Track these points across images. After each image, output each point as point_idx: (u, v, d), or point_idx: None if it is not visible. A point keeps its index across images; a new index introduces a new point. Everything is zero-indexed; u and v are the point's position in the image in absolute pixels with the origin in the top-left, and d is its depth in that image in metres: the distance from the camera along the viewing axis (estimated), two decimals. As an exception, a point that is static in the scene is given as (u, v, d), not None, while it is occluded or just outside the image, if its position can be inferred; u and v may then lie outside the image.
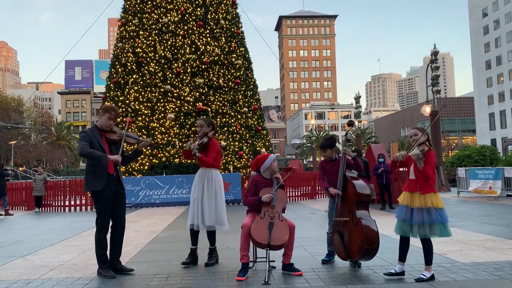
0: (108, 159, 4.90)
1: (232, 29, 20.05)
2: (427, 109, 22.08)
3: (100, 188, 4.92)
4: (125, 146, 5.27)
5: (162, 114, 18.31)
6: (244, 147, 18.44)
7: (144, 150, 5.46)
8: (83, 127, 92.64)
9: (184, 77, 18.84)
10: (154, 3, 19.54)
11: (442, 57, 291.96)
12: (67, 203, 15.53)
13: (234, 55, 19.67)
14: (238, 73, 19.51)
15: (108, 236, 5.08)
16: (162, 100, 18.50)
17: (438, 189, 4.69)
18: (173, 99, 18.53)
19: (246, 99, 19.51)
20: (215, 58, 19.23)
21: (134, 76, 18.74)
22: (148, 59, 18.93)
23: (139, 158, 16.29)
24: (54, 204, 15.71)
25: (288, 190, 16.64)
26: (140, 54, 18.95)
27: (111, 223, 5.10)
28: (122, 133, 5.18)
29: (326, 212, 11.70)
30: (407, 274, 4.64)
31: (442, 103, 76.60)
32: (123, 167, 5.34)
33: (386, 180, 12.26)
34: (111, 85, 18.97)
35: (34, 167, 16.81)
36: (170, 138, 17.91)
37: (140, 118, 18.11)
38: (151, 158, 17.41)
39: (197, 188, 5.40)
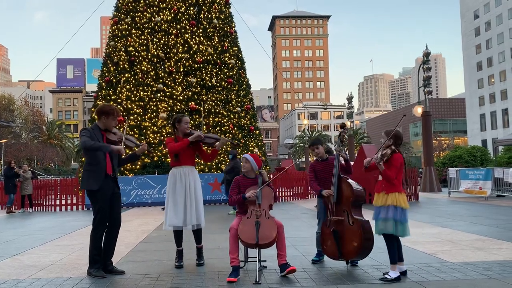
0: (111, 149, 4.90)
1: (225, 29, 20.03)
2: (418, 110, 22.23)
3: (96, 188, 4.91)
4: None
5: (154, 113, 18.24)
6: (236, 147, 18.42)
7: (141, 154, 5.42)
8: (74, 126, 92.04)
9: (177, 76, 18.79)
10: (147, 1, 19.47)
11: (434, 58, 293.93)
12: (57, 202, 15.40)
13: (227, 55, 19.65)
14: (231, 73, 19.49)
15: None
16: (154, 99, 18.44)
17: (405, 190, 4.82)
18: (166, 98, 18.47)
19: (239, 99, 19.50)
20: (208, 58, 19.20)
21: (126, 75, 18.66)
22: (140, 58, 18.85)
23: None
24: (44, 204, 15.57)
25: (280, 190, 16.65)
26: (132, 53, 18.87)
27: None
28: (121, 135, 5.18)
29: (316, 211, 11.76)
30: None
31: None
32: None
33: None
34: (103, 83, 18.87)
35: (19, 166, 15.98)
36: (162, 138, 17.84)
37: (132, 117, 18.03)
38: (143, 157, 17.34)
39: (187, 186, 5.26)
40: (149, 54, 18.88)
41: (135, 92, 18.43)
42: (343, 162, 5.18)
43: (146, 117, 18.19)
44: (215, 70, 19.21)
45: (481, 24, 71.15)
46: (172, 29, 19.31)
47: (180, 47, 19.15)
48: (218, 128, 18.54)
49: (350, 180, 5.04)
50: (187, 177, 5.27)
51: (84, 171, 5.08)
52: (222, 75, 19.27)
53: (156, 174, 16.37)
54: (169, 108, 18.33)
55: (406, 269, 4.66)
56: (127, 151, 5.19)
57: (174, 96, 18.52)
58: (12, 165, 15.29)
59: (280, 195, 16.60)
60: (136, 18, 19.34)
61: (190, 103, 18.48)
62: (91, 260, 4.97)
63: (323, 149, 5.43)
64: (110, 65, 19.01)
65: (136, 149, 5.27)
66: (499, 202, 13.20)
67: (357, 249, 4.77)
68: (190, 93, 18.66)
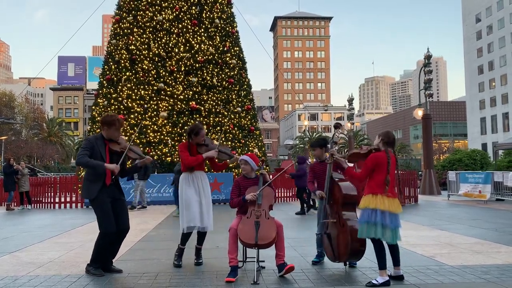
0: (105, 167, 4.83)
1: (227, 29, 20.02)
2: (419, 113, 22.24)
3: (92, 197, 4.91)
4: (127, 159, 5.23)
5: (155, 112, 18.24)
6: (237, 147, 18.42)
7: (143, 166, 5.37)
8: (75, 124, 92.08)
9: (178, 76, 18.78)
10: (149, 0, 19.47)
11: (435, 61, 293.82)
12: (57, 199, 15.39)
13: (229, 55, 19.64)
14: (232, 73, 19.49)
15: None
16: (155, 98, 18.44)
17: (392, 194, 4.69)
18: (166, 97, 18.46)
19: (240, 99, 19.50)
20: (209, 57, 19.19)
21: (128, 74, 18.65)
22: (141, 56, 18.85)
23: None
24: (44, 201, 15.56)
25: (279, 191, 16.64)
26: (133, 52, 18.86)
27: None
28: (125, 145, 5.09)
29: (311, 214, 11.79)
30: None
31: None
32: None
33: (296, 183, 12.22)
34: (104, 82, 18.87)
35: (18, 163, 15.89)
36: (162, 137, 17.84)
37: (132, 116, 18.03)
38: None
39: (201, 189, 5.30)
40: (151, 53, 18.88)
41: (136, 90, 18.43)
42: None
43: (147, 116, 18.19)
44: (216, 70, 19.20)
45: (482, 27, 71.16)
46: (174, 28, 19.31)
47: (182, 46, 19.15)
48: (218, 128, 18.54)
49: (342, 182, 5.02)
50: (200, 180, 5.33)
51: (84, 179, 5.10)
52: (223, 75, 19.26)
53: (156, 173, 16.36)
54: (169, 107, 18.33)
55: (402, 273, 4.55)
56: (129, 161, 5.13)
57: (175, 96, 18.51)
58: (11, 162, 15.30)
59: (279, 195, 16.60)
60: (138, 17, 19.34)
61: (190, 103, 18.47)
62: (93, 259, 4.97)
63: (320, 150, 5.44)
64: (111, 63, 19.00)
65: (140, 161, 5.20)
66: (498, 206, 13.20)
67: (347, 251, 4.77)
68: (191, 92, 18.65)
